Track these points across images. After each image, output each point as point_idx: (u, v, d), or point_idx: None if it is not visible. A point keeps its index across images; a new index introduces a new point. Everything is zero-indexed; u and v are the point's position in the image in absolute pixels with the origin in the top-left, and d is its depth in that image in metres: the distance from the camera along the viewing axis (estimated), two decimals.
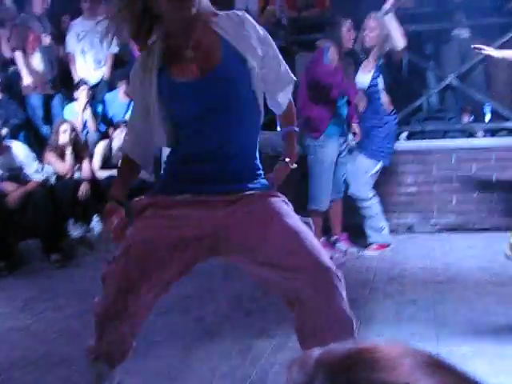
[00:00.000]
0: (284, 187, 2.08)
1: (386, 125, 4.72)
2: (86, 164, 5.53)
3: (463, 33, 5.82)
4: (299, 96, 4.49)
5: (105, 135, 6.03)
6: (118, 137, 5.62)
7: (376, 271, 4.25)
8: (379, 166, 4.76)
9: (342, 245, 4.84)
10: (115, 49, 6.55)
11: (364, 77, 4.68)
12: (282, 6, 5.95)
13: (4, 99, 6.18)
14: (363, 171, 4.73)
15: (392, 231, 5.03)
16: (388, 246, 4.79)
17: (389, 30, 4.59)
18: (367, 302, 3.55)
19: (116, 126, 5.75)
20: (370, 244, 4.78)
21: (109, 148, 5.67)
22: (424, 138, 5.47)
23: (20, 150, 5.36)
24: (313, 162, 4.66)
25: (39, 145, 6.01)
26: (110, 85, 6.66)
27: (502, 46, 5.42)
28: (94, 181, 5.47)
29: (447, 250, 4.72)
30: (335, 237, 4.89)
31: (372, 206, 4.75)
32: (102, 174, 5.53)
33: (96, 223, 5.37)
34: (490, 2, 5.55)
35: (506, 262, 4.27)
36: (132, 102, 2.38)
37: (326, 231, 4.85)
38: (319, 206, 4.64)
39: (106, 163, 5.61)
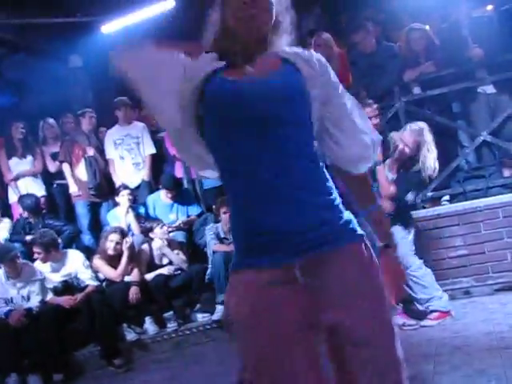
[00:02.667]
0: None
1: None
2: (134, 267, 5.62)
3: (489, 88, 5.83)
4: None
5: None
6: (157, 237, 5.76)
7: (438, 342, 4.09)
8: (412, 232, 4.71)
9: (398, 318, 4.71)
10: (152, 150, 6.81)
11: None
12: None
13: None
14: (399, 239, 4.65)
15: (449, 297, 4.87)
16: (449, 313, 4.62)
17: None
18: (433, 376, 3.40)
19: (152, 227, 5.89)
20: (431, 312, 4.61)
21: (150, 250, 5.80)
22: (467, 199, 5.37)
23: (76, 256, 5.68)
24: None
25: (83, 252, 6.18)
26: (151, 186, 6.86)
27: None
28: (142, 283, 5.53)
29: (509, 311, 4.53)
30: None
31: (423, 273, 4.64)
32: (149, 276, 5.62)
33: (149, 325, 5.39)
34: (509, 55, 5.57)
35: None
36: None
37: None
38: None
39: (150, 266, 5.71)
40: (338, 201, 1.70)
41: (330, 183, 1.71)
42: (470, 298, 5.09)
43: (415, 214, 5.17)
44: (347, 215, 1.69)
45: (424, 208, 5.41)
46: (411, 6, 6.40)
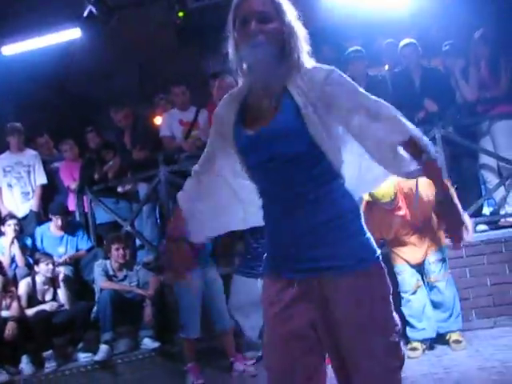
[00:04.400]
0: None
1: None
2: (13, 302, 5.29)
3: None
4: None
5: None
6: (43, 271, 5.49)
7: None
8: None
9: (238, 365, 4.90)
10: (43, 180, 6.55)
11: None
12: (206, 130, 6.08)
13: None
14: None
15: None
16: None
17: None
18: None
19: (38, 261, 5.60)
20: None
21: (32, 285, 5.51)
22: None
23: None
24: (176, 293, 4.97)
25: None
26: (39, 216, 6.57)
27: None
28: (21, 319, 5.21)
29: None
30: (231, 359, 4.96)
31: None
32: (31, 311, 5.31)
33: (25, 365, 5.06)
34: (402, 113, 5.88)
35: (449, 365, 4.27)
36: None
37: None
38: (188, 333, 4.85)
39: (31, 301, 5.42)
40: (347, 229, 1.88)
41: (341, 210, 1.89)
42: None
43: None
44: (351, 244, 1.88)
45: None
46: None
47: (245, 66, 1.95)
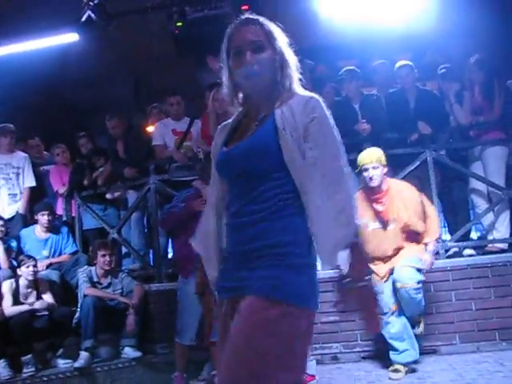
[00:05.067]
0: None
1: None
2: None
3: None
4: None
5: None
6: (24, 274, 5.41)
7: None
8: None
9: None
10: (32, 182, 6.49)
11: None
12: (199, 141, 6.08)
13: None
14: None
15: (317, 362, 4.91)
16: (314, 377, 4.65)
17: None
18: None
19: (21, 263, 5.52)
20: None
21: (16, 288, 5.42)
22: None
23: None
24: (179, 296, 4.80)
25: None
26: (25, 219, 6.51)
27: (409, 174, 5.71)
28: (1, 322, 5.12)
29: (373, 380, 4.64)
30: (214, 372, 4.79)
31: None
32: (10, 311, 5.21)
33: (2, 368, 4.98)
34: (395, 134, 5.90)
35: None
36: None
37: None
38: (182, 339, 4.71)
39: (14, 304, 5.33)
40: (283, 261, 1.84)
41: (289, 241, 1.86)
42: (338, 364, 5.18)
43: None
44: (278, 274, 1.83)
45: None
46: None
47: (240, 94, 2.03)
